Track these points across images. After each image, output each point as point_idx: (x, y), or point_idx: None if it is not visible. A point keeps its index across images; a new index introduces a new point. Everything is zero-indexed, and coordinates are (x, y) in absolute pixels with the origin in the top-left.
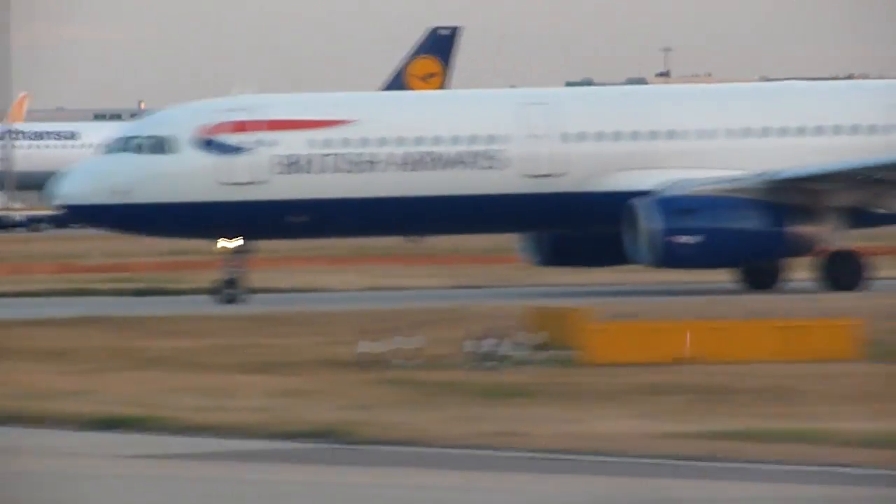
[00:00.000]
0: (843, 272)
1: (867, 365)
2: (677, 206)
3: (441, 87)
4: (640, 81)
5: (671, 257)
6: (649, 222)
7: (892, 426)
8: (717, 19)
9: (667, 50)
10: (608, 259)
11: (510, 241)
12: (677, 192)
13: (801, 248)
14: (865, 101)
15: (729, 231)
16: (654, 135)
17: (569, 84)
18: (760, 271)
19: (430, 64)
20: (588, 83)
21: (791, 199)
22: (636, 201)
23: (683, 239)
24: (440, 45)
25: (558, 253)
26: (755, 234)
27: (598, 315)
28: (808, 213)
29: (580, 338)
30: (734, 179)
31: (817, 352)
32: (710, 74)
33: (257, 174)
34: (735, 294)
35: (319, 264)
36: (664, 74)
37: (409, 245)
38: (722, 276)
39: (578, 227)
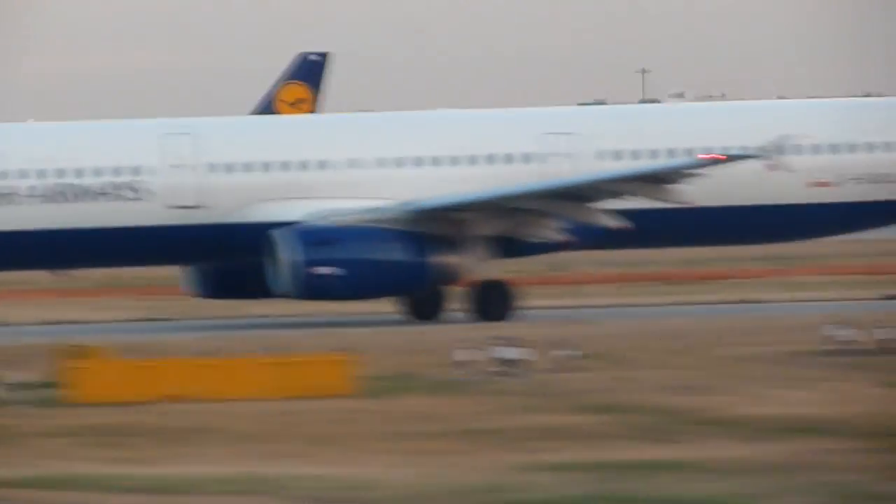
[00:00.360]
0: (492, 302)
1: (349, 401)
2: (315, 237)
3: (311, 112)
4: (654, 101)
5: (310, 289)
6: (287, 253)
7: (243, 469)
8: (732, 39)
9: (644, 72)
10: (270, 292)
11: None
12: (317, 222)
13: (446, 278)
14: (522, 130)
15: (368, 262)
16: (304, 165)
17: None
18: (422, 301)
19: (299, 90)
20: (601, 105)
21: (435, 228)
22: (275, 232)
23: (321, 270)
24: (310, 71)
25: (220, 285)
26: (396, 264)
27: (105, 351)
28: (453, 243)
29: (71, 376)
30: (376, 209)
31: (313, 388)
32: (724, 95)
33: None
34: (400, 325)
35: (41, 297)
36: (679, 95)
37: (79, 277)
38: (386, 307)
39: (227, 259)
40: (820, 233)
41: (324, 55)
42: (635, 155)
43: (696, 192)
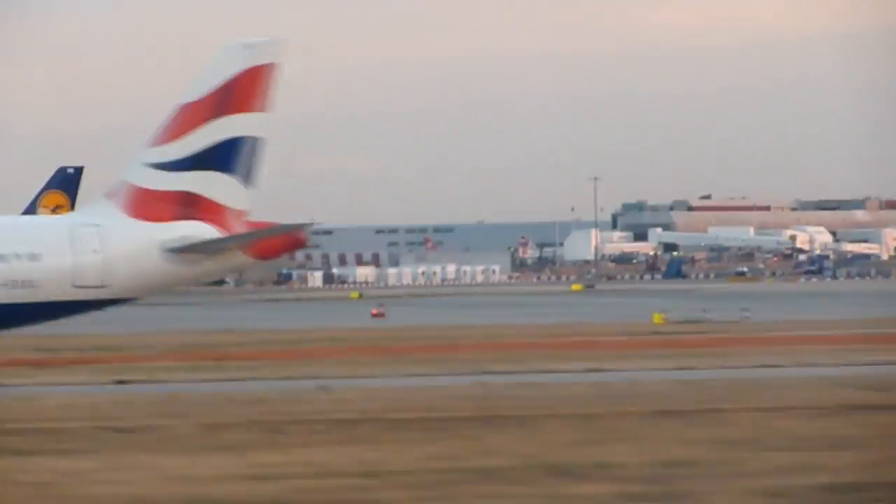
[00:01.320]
0: None
1: None
2: None
3: None
4: (685, 203)
5: None
6: None
7: None
8: (754, 144)
9: (596, 179)
10: None
11: None
12: None
13: None
14: None
15: None
16: None
17: (625, 206)
18: None
19: (57, 198)
20: (642, 206)
21: None
22: None
23: None
24: (67, 182)
25: None
26: None
27: None
28: None
29: None
30: None
31: None
32: (744, 197)
33: None
34: None
35: None
36: (706, 197)
37: None
38: None
39: None
40: None
41: (79, 168)
42: None
43: None
